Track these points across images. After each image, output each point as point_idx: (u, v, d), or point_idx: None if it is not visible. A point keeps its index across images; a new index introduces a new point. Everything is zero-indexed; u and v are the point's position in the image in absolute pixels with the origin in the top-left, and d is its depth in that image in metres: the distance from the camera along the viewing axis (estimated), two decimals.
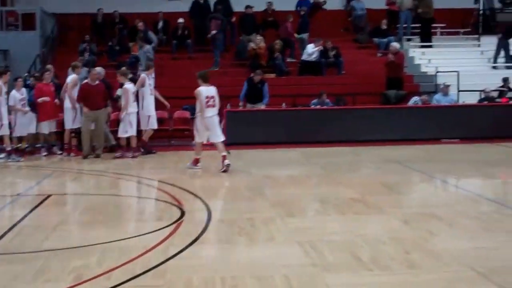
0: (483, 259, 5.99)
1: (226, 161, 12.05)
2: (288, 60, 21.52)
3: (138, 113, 14.50)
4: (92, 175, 12.03)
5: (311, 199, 9.41)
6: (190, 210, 8.38)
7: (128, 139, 14.33)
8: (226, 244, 6.73)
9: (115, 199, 9.85)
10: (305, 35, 22.03)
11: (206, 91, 12.24)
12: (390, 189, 9.94)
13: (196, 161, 12.55)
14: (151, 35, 21.38)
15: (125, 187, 11.24)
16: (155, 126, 15.01)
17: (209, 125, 12.20)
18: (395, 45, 19.86)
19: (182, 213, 8.16)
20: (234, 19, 22.51)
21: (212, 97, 12.22)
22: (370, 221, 7.75)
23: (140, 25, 21.19)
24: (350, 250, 6.32)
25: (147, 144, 14.94)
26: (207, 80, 12.46)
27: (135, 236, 7.05)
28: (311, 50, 20.34)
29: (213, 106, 12.24)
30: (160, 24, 22.64)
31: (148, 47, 19.68)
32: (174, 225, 7.51)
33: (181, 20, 21.93)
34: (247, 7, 22.39)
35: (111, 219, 8.16)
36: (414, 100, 17.96)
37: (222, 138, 12.39)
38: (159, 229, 7.29)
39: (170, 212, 8.28)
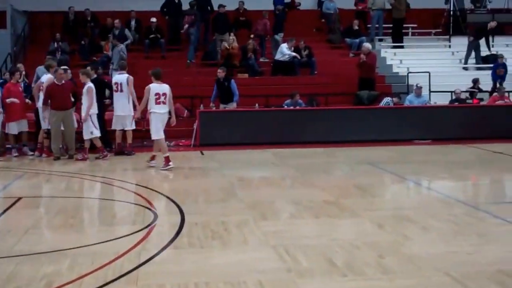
0: (457, 264, 5.99)
1: (153, 162, 12.64)
2: (261, 59, 21.50)
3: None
4: (64, 177, 11.85)
5: (285, 201, 9.36)
6: (163, 213, 8.31)
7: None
8: (200, 249, 6.65)
9: (88, 202, 9.74)
10: (280, 35, 21.97)
11: (158, 88, 12.53)
12: (363, 191, 9.93)
13: (167, 160, 12.53)
14: (127, 32, 21.14)
15: (97, 190, 11.10)
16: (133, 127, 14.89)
17: (158, 119, 12.54)
18: (367, 45, 19.90)
19: (155, 217, 8.07)
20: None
21: (164, 94, 12.51)
22: (344, 224, 7.73)
23: (116, 22, 20.96)
24: (324, 255, 6.28)
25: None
26: (159, 78, 12.73)
27: (108, 241, 6.94)
28: (286, 51, 20.28)
29: (164, 103, 12.51)
30: (133, 22, 22.43)
31: (122, 46, 19.38)
32: (147, 229, 7.43)
33: (153, 19, 21.76)
34: (220, 6, 22.27)
35: (83, 223, 8.06)
36: (386, 101, 18.02)
37: (155, 137, 12.63)
38: (131, 233, 7.21)
39: (143, 216, 8.18)
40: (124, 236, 7.11)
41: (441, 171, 12.42)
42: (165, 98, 12.50)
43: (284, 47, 20.42)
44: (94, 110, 13.99)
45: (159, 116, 12.54)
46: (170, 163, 12.44)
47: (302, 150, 15.18)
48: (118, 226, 7.81)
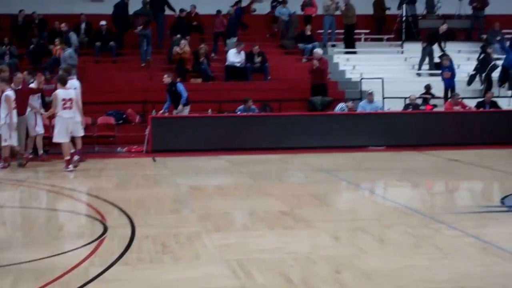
0: (415, 279, 5.81)
1: (70, 167, 12.79)
2: (214, 56, 21.18)
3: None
4: (10, 185, 11.39)
5: (239, 212, 9.12)
6: (114, 225, 7.95)
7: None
8: (150, 264, 6.34)
9: (33, 213, 9.30)
10: (232, 40, 21.75)
11: (64, 93, 12.92)
12: (319, 200, 9.74)
13: (68, 163, 12.74)
14: (72, 36, 20.55)
15: (45, 199, 10.63)
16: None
17: (63, 124, 12.86)
18: (319, 51, 19.83)
19: (105, 229, 7.73)
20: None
21: (70, 99, 12.91)
22: (300, 236, 7.49)
23: (63, 25, 20.44)
24: (280, 270, 6.05)
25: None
26: (65, 83, 13.09)
27: (54, 255, 6.57)
28: (233, 58, 20.04)
29: (70, 108, 12.95)
30: (83, 26, 21.95)
31: (69, 50, 18.79)
32: (96, 243, 7.09)
33: (103, 22, 21.29)
34: (181, 10, 22.12)
35: (28, 236, 7.66)
36: (340, 107, 17.95)
37: (58, 140, 12.98)
38: (80, 247, 6.87)
39: (92, 228, 7.84)
40: (71, 250, 6.78)
41: (397, 179, 12.36)
42: (71, 103, 12.90)
43: (232, 53, 20.19)
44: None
45: (65, 120, 12.88)
46: (70, 167, 12.78)
47: (256, 157, 14.99)
48: (65, 239, 7.46)
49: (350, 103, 17.96)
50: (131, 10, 21.80)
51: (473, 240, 7.18)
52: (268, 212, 8.72)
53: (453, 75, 19.85)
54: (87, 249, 6.81)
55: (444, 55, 20.76)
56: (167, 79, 16.64)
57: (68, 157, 12.87)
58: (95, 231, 7.61)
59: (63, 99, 12.83)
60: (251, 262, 6.29)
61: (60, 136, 12.93)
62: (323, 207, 9.41)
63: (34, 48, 20.43)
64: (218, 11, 22.36)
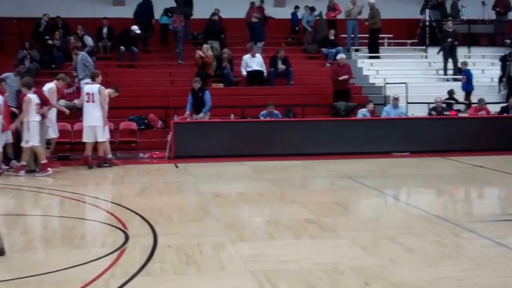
0: None
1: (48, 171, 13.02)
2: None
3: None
4: (31, 192, 11.28)
5: (264, 220, 8.92)
6: (135, 234, 7.78)
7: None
8: (173, 275, 6.16)
9: (54, 221, 9.15)
10: (259, 45, 21.54)
11: (36, 98, 13.16)
12: (345, 208, 9.52)
13: (44, 167, 12.99)
14: (87, 39, 20.28)
15: (65, 207, 10.37)
16: (108, 137, 14.54)
17: (32, 128, 13.01)
18: (342, 56, 19.60)
19: (126, 238, 7.56)
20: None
21: (38, 104, 13.14)
22: (327, 246, 7.26)
23: (79, 29, 20.33)
24: (307, 282, 5.85)
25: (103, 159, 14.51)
26: (31, 87, 13.30)
27: (75, 266, 6.41)
28: (249, 63, 19.84)
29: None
30: (105, 30, 21.89)
31: (81, 53, 18.16)
32: (117, 252, 6.92)
33: (135, 27, 21.05)
34: (214, 14, 22.15)
35: (48, 245, 7.51)
36: (362, 113, 17.65)
37: (34, 143, 13.06)
38: (100, 257, 6.69)
39: (114, 237, 7.66)
40: (92, 261, 6.59)
41: (422, 185, 12.08)
42: (38, 108, 13.16)
43: (247, 58, 19.95)
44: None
45: (38, 124, 13.10)
46: (49, 170, 13.09)
47: (279, 163, 14.78)
48: (86, 249, 7.28)
49: (370, 105, 17.63)
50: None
51: (504, 250, 6.98)
52: (293, 221, 8.50)
53: (469, 80, 19.57)
54: (108, 259, 6.64)
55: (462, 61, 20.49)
56: (197, 84, 16.52)
57: (44, 161, 13.07)
58: (117, 241, 7.44)
59: (37, 104, 13.05)
60: (278, 273, 6.10)
61: (35, 140, 13.01)
62: (349, 215, 9.20)
63: (54, 52, 20.41)
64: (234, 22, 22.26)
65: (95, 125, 14.14)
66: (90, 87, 14.39)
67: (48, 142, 14.14)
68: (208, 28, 21.79)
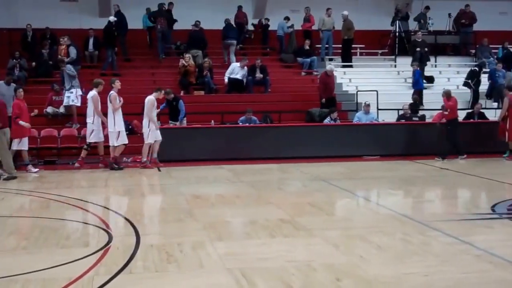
0: (414, 286, 5.65)
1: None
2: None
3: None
4: (19, 196, 11.18)
5: (241, 220, 8.91)
6: (118, 234, 7.76)
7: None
8: (154, 273, 6.15)
9: (40, 222, 9.07)
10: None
11: None
12: (318, 209, 9.53)
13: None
14: (71, 50, 19.97)
15: (51, 209, 10.30)
16: (126, 141, 14.68)
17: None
18: (331, 67, 19.63)
19: (110, 238, 7.53)
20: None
21: None
22: (301, 244, 7.28)
23: (65, 40, 20.18)
24: (281, 278, 5.86)
25: (117, 160, 14.68)
26: None
27: (60, 265, 6.39)
28: (236, 72, 19.90)
29: None
30: (91, 40, 21.79)
31: (65, 66, 18.05)
32: (101, 252, 6.89)
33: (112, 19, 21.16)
34: (196, 22, 22.38)
35: (35, 245, 7.44)
36: (327, 121, 17.65)
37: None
38: (85, 257, 6.66)
39: (98, 237, 7.64)
40: (77, 260, 6.56)
41: (391, 187, 12.18)
42: None
43: (235, 66, 20.07)
44: None
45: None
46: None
47: (257, 166, 14.80)
48: (71, 249, 7.21)
49: (334, 114, 17.66)
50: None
51: (467, 247, 7.03)
52: (269, 221, 8.52)
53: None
54: (93, 258, 6.61)
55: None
56: (171, 95, 16.59)
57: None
58: (100, 240, 7.42)
59: None
60: (254, 270, 6.11)
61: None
62: (322, 215, 9.21)
63: (44, 61, 20.29)
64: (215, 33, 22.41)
65: (111, 130, 14.47)
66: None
67: (88, 145, 14.61)
68: (191, 37, 21.80)
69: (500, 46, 23.69)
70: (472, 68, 20.85)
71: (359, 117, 17.89)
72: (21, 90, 14.47)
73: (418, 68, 20.27)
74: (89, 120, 14.64)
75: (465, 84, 20.49)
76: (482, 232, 7.97)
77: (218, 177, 13.40)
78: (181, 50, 22.23)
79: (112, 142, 14.48)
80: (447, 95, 16.02)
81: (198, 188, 11.99)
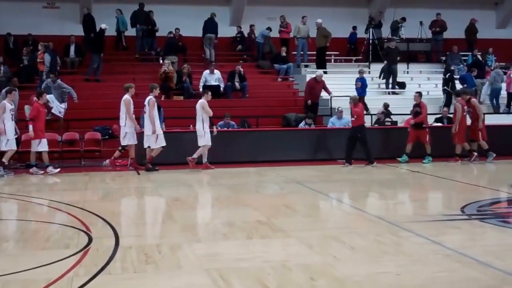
0: (386, 285, 5.65)
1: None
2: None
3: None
4: (0, 198, 11.04)
5: (219, 222, 8.87)
6: (98, 236, 7.68)
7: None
8: (133, 274, 6.09)
9: (21, 225, 8.98)
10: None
11: None
12: (293, 211, 9.55)
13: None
14: (46, 57, 19.71)
15: (32, 211, 10.23)
16: (164, 144, 14.69)
17: None
18: (320, 73, 19.65)
19: (90, 240, 7.46)
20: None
21: None
22: (276, 245, 7.27)
23: (39, 46, 19.92)
24: (258, 278, 5.84)
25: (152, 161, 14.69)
26: None
27: (40, 266, 6.30)
28: (208, 78, 19.85)
29: None
30: (72, 47, 21.64)
31: (48, 79, 17.91)
32: (80, 253, 6.82)
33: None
34: (176, 29, 22.53)
35: (15, 247, 7.36)
36: (301, 126, 17.70)
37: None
38: (64, 258, 6.59)
39: (77, 239, 7.56)
40: (57, 261, 6.48)
41: (364, 189, 12.21)
42: None
43: (206, 73, 20.01)
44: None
45: None
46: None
47: (235, 170, 14.78)
48: (51, 250, 7.13)
49: (309, 120, 17.71)
50: None
51: (437, 247, 7.05)
52: (246, 222, 8.50)
53: (363, 85, 20.03)
54: (72, 259, 6.54)
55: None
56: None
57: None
58: (80, 242, 7.34)
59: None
60: (231, 271, 6.08)
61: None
62: (297, 217, 9.22)
63: (24, 68, 20.11)
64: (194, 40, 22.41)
65: (147, 133, 14.60)
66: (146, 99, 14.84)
67: (122, 147, 14.78)
68: (168, 44, 21.76)
69: (470, 53, 23.95)
70: (444, 76, 21.08)
71: (332, 122, 17.97)
72: (44, 94, 14.67)
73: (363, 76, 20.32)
74: (121, 123, 14.76)
75: (444, 90, 20.70)
76: (452, 232, 8.00)
77: (197, 180, 13.36)
78: (158, 56, 22.17)
79: (149, 144, 14.51)
80: (354, 101, 15.63)
81: (177, 191, 11.93)
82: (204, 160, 15.04)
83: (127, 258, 6.60)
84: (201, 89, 19.89)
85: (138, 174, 14.34)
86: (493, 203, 10.35)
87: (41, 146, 14.23)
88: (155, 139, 14.53)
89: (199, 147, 14.89)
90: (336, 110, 18.20)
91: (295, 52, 23.45)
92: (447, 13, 25.23)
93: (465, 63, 23.76)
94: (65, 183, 13.21)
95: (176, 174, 14.16)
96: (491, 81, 21.18)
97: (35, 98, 14.65)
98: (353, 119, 15.53)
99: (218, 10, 23.74)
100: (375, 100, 20.38)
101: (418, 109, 16.02)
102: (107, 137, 17.13)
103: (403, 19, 24.76)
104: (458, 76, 21.63)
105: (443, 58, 24.48)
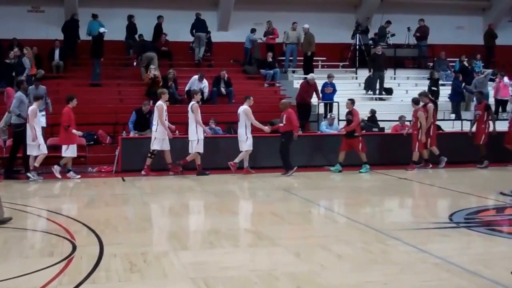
0: None
1: None
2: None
3: None
4: None
5: (205, 230, 8.86)
6: (82, 244, 7.63)
7: None
8: (118, 283, 6.05)
9: (4, 232, 8.87)
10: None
11: None
12: (280, 218, 9.54)
13: None
14: (25, 61, 19.41)
15: (16, 218, 10.12)
16: (200, 150, 14.88)
17: None
18: (313, 76, 19.65)
19: (74, 248, 7.41)
20: None
21: None
22: (263, 254, 7.26)
23: (15, 50, 19.78)
24: (244, 287, 5.83)
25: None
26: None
27: (23, 275, 6.25)
28: (195, 85, 19.80)
29: None
30: (57, 51, 21.53)
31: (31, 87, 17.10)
32: (64, 262, 6.77)
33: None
34: (163, 34, 22.47)
35: None
36: None
37: None
38: (48, 266, 6.53)
39: (62, 247, 7.50)
40: (41, 270, 6.43)
41: (351, 197, 12.25)
42: None
43: (194, 79, 19.97)
44: None
45: None
46: None
47: (221, 176, 14.75)
48: (35, 259, 7.09)
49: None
50: None
51: (425, 256, 7.07)
52: (232, 230, 8.50)
53: (334, 90, 20.14)
54: (56, 268, 6.49)
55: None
56: (146, 107, 16.57)
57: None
58: (64, 250, 7.29)
59: None
60: (217, 280, 6.06)
61: None
62: (284, 225, 9.21)
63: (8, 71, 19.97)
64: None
65: (190, 139, 14.86)
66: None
67: (152, 153, 14.75)
68: (141, 45, 21.91)
69: (457, 59, 24.10)
70: (429, 84, 21.27)
71: (323, 128, 18.03)
72: (75, 99, 14.77)
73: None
74: (153, 128, 14.91)
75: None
76: (440, 240, 8.03)
77: (183, 186, 13.33)
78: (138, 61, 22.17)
79: (193, 149, 14.75)
80: (283, 107, 15.47)
81: (162, 197, 11.90)
82: (246, 165, 15.18)
83: (112, 267, 6.56)
84: (185, 96, 19.86)
85: (124, 180, 14.27)
86: (480, 211, 10.38)
87: (69, 151, 14.43)
88: (195, 144, 14.81)
89: (241, 151, 15.16)
90: (328, 116, 18.23)
91: (282, 58, 23.47)
92: (434, 19, 25.36)
93: (452, 70, 23.89)
94: (49, 189, 13.12)
95: (162, 181, 14.12)
96: (473, 88, 21.30)
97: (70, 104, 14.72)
98: (281, 124, 15.25)
99: (205, 15, 23.63)
100: (361, 106, 20.36)
101: (350, 117, 15.72)
102: (92, 143, 17.04)
103: (389, 22, 24.87)
104: (444, 82, 21.76)
105: (430, 64, 24.60)
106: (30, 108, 14.22)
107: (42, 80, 18.78)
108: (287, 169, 14.89)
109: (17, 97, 14.62)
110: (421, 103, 16.27)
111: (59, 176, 14.24)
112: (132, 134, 16.51)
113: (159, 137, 14.79)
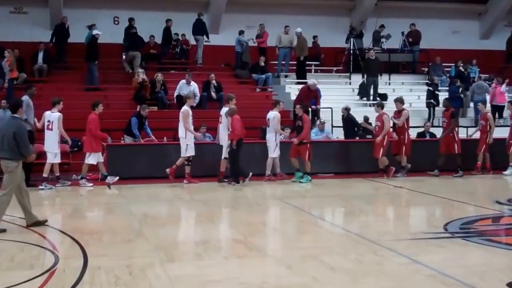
0: None
1: None
2: None
3: None
4: None
5: (193, 240, 8.80)
6: (65, 256, 7.56)
7: None
8: None
9: None
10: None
11: None
12: (271, 228, 9.51)
13: None
14: (4, 65, 19.11)
15: None
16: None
17: None
18: (314, 81, 19.59)
19: (56, 260, 7.33)
20: None
21: None
22: (253, 266, 7.21)
23: None
24: None
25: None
26: None
27: None
28: (183, 89, 19.74)
29: None
30: (41, 54, 21.46)
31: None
32: (46, 275, 6.69)
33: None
34: (151, 36, 22.53)
35: None
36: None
37: None
38: (29, 280, 6.46)
39: (43, 259, 7.43)
40: (21, 283, 6.35)
41: (345, 205, 12.21)
42: None
43: (181, 83, 19.91)
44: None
45: None
46: None
47: (210, 184, 14.68)
48: (15, 271, 7.00)
49: (286, 132, 17.60)
50: None
51: (420, 267, 7.05)
52: (221, 241, 8.46)
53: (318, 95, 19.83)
54: (38, 281, 6.42)
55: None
56: (144, 111, 16.45)
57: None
58: (46, 262, 7.21)
59: None
60: None
61: None
62: (275, 235, 9.17)
63: None
64: None
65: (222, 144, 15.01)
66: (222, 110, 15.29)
67: (188, 159, 14.74)
68: (130, 39, 21.95)
69: (453, 64, 24.17)
70: (428, 88, 21.28)
71: (313, 134, 17.95)
72: (100, 105, 14.90)
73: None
74: (181, 134, 14.90)
75: (429, 104, 20.88)
76: (435, 251, 8.01)
77: (170, 195, 13.27)
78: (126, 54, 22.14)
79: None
80: (230, 113, 15.12)
81: (149, 207, 11.83)
82: (277, 170, 15.32)
83: (96, 280, 6.49)
84: (175, 101, 19.78)
85: (109, 188, 14.20)
86: (476, 220, 10.38)
87: (91, 158, 14.53)
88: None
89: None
90: (318, 122, 18.22)
91: (274, 62, 23.47)
92: (430, 23, 25.48)
93: (447, 75, 23.97)
94: (32, 198, 12.94)
95: (149, 189, 14.04)
96: (470, 94, 21.34)
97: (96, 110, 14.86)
98: (229, 132, 15.03)
99: (195, 17, 23.68)
100: (355, 112, 20.40)
101: (301, 123, 15.47)
102: (76, 149, 16.91)
103: (382, 26, 24.93)
104: (440, 88, 21.82)
105: (425, 69, 24.67)
106: (56, 114, 14.48)
107: (23, 84, 18.71)
108: (237, 178, 14.58)
109: (24, 102, 14.50)
110: (396, 109, 16.42)
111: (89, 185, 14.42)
112: (128, 141, 16.30)
113: (191, 143, 14.84)
